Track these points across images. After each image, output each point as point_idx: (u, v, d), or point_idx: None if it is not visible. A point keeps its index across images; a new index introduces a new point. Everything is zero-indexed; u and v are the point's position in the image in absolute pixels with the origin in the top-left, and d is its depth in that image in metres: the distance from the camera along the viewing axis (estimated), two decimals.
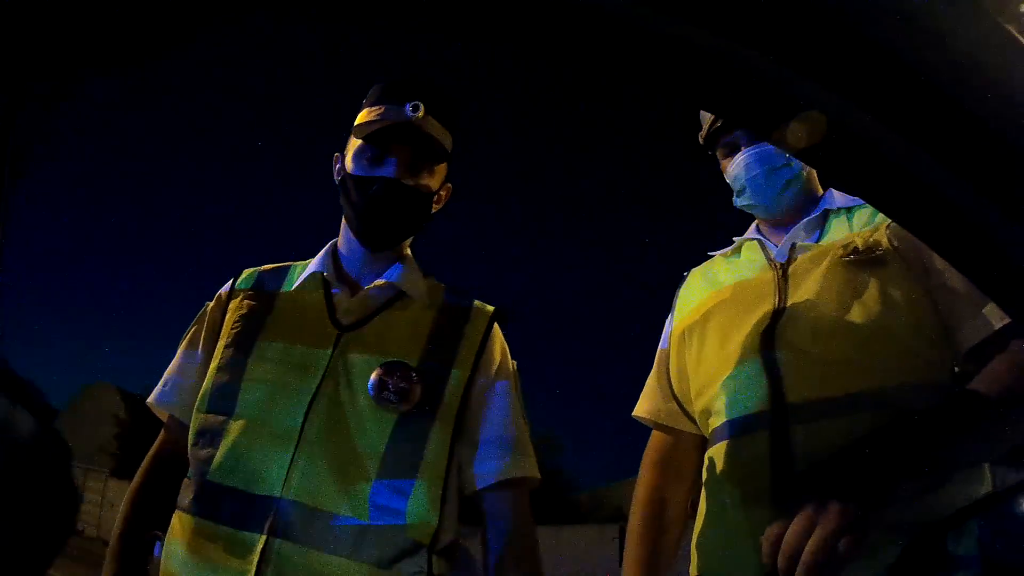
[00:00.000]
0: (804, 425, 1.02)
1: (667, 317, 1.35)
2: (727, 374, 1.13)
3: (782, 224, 1.23)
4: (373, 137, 1.12)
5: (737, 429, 1.10)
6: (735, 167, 1.21)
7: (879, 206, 0.71)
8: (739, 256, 1.27)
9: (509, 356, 1.19)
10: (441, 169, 1.17)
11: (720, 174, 1.28)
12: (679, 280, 1.36)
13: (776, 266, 1.17)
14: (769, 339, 1.08)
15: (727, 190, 1.28)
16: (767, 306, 1.12)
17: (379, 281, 1.15)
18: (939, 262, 1.04)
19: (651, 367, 1.34)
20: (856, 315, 1.04)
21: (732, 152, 1.23)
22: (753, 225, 1.30)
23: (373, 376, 1.05)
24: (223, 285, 1.23)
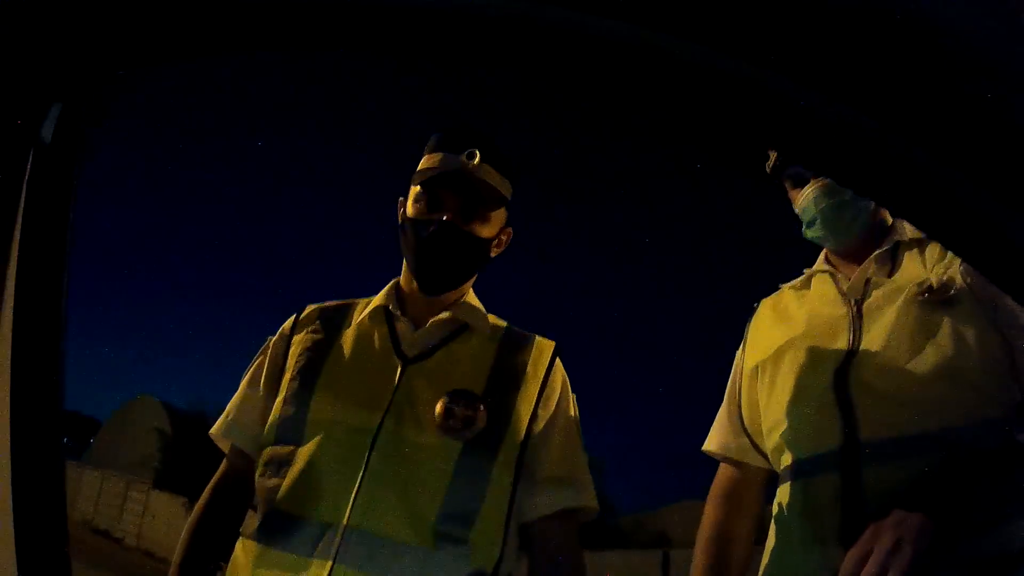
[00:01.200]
0: (876, 465, 1.01)
1: (735, 347, 1.34)
2: (800, 412, 1.12)
3: (852, 256, 1.21)
4: (429, 183, 1.14)
5: (808, 468, 1.09)
6: (804, 199, 1.20)
7: (937, 238, 0.70)
8: (809, 288, 1.26)
9: (570, 389, 1.19)
10: (498, 215, 1.18)
11: (778, 202, 1.28)
12: (748, 311, 1.34)
13: (851, 302, 1.15)
14: (843, 378, 1.07)
15: (787, 218, 1.26)
16: (842, 343, 1.11)
17: (443, 314, 1.17)
18: (1009, 300, 1.03)
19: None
20: (930, 356, 1.03)
21: (800, 183, 1.21)
22: (822, 256, 1.28)
23: (439, 405, 1.07)
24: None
